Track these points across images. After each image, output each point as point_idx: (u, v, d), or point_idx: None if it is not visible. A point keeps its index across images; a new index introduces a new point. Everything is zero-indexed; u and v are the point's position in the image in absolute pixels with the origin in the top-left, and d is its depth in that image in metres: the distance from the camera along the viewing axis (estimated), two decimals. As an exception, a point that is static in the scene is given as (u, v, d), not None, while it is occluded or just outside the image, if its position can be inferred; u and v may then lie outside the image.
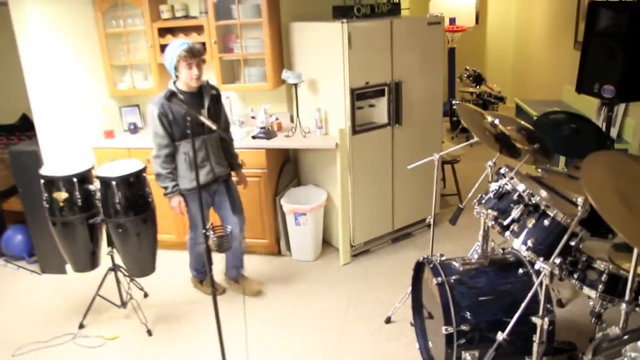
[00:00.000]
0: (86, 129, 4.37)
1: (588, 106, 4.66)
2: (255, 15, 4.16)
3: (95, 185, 3.25)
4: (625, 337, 1.55)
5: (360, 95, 3.90)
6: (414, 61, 4.13)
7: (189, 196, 3.40)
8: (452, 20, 8.58)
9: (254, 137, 4.14)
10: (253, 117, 4.34)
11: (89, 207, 3.27)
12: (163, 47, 4.28)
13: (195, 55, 3.13)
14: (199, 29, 4.29)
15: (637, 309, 1.96)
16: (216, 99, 3.44)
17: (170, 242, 4.38)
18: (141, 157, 4.12)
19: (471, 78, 7.95)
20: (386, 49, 3.94)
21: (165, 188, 3.32)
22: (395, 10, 4.32)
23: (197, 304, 3.71)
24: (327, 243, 4.48)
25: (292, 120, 4.53)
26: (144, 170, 3.32)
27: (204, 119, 2.58)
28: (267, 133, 4.14)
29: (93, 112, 4.46)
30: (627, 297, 1.88)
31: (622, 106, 4.71)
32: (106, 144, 4.35)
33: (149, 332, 3.40)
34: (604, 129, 4.15)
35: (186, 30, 4.33)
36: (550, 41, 7.28)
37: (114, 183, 3.18)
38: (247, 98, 4.64)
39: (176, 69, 3.17)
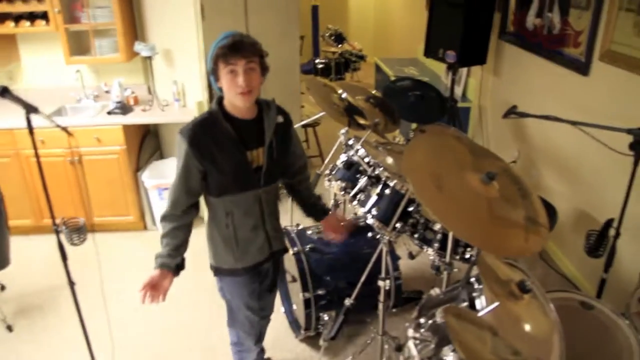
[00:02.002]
0: None
1: (440, 65, 5.03)
2: (102, -18, 3.95)
3: None
4: (441, 297, 1.81)
5: (216, 68, 3.89)
6: (270, 31, 4.18)
7: (229, 280, 2.32)
8: (314, -22, 8.66)
9: (109, 113, 4.00)
10: (107, 92, 4.17)
11: None
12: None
13: (240, 52, 1.89)
14: (39, -3, 3.97)
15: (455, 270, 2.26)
16: (284, 129, 2.19)
17: (26, 227, 4.16)
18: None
19: (333, 37, 8.16)
20: (241, 19, 3.96)
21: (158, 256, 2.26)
22: (249, -23, 4.31)
23: (61, 290, 3.60)
24: (194, 214, 4.49)
25: (149, 92, 4.41)
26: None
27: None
28: (123, 108, 4.01)
29: None
30: (447, 259, 2.16)
31: (465, 68, 5.15)
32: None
33: (9, 328, 3.25)
34: (450, 89, 4.52)
35: (25, -2, 4.00)
36: (405, 1, 7.64)
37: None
38: (100, 71, 4.43)
39: (215, 75, 1.96)
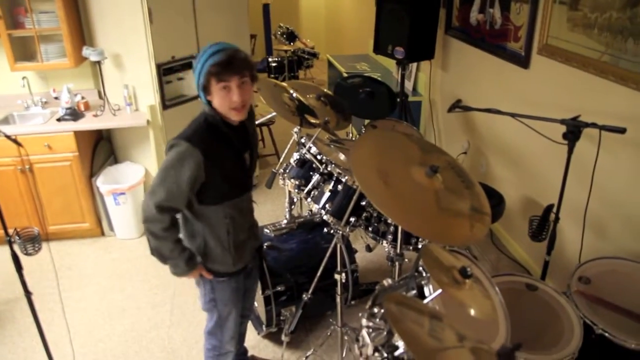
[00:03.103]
0: None
1: (391, 60, 5.13)
2: (45, -14, 3.87)
3: None
4: (393, 287, 1.90)
5: (167, 70, 3.88)
6: (219, 32, 4.19)
7: (224, 286, 2.25)
8: (263, -23, 8.66)
9: (59, 120, 3.93)
10: (56, 98, 4.10)
11: None
12: None
13: (233, 69, 1.88)
14: (-22, 2, 3.87)
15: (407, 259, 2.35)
16: (250, 128, 2.21)
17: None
18: None
19: (285, 36, 8.19)
20: (190, 21, 3.94)
21: (179, 264, 2.10)
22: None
23: (16, 303, 3.54)
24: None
25: (100, 97, 4.36)
26: None
27: None
28: (74, 114, 3.95)
29: None
30: (397, 250, 2.25)
31: (414, 63, 5.27)
32: None
33: (-37, 342, 3.20)
34: (400, 83, 4.63)
35: (-38, 4, 3.89)
36: (354, -1, 7.74)
37: None
38: (48, 77, 4.35)
39: (206, 90, 1.94)
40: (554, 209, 2.52)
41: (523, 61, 3.47)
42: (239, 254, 2.19)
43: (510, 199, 3.57)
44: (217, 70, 1.85)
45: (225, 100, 1.91)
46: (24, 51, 4.15)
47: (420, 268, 1.76)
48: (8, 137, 2.19)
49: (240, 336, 2.56)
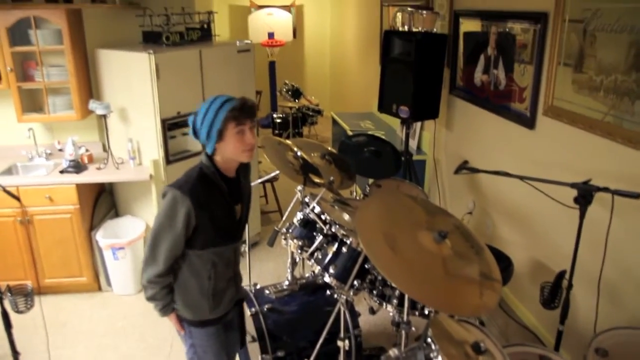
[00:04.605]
0: None
1: (395, 119, 5.15)
2: (57, 41, 3.92)
3: None
4: (401, 357, 1.80)
5: (172, 125, 3.88)
6: (225, 88, 4.22)
7: (202, 333, 2.29)
8: (271, 35, 8.87)
9: (62, 172, 3.91)
10: (61, 150, 4.09)
11: None
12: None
13: (249, 113, 2.06)
14: (-9, 55, 3.92)
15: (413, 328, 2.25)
16: (245, 184, 2.34)
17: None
18: None
19: (290, 92, 8.29)
20: (196, 78, 3.98)
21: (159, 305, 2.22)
22: (206, 37, 4.38)
23: (4, 359, 3.41)
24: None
25: (104, 150, 4.35)
26: None
27: None
28: (77, 166, 3.93)
29: None
30: (405, 318, 2.15)
31: (419, 122, 5.28)
32: None
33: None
34: (404, 142, 4.62)
35: (-24, 56, 3.94)
36: (361, 57, 7.88)
37: None
38: (54, 128, 4.36)
39: (221, 136, 2.04)
40: (567, 276, 2.43)
41: (528, 122, 3.46)
42: (216, 301, 2.25)
43: (518, 262, 3.48)
44: (236, 115, 2.01)
45: (240, 143, 2.06)
46: (31, 103, 4.19)
47: (429, 339, 1.67)
48: (6, 191, 2.14)
49: None
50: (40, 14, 3.79)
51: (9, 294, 2.31)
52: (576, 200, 2.28)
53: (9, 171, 4.10)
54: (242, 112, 2.02)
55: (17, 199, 2.22)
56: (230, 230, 2.21)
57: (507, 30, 3.66)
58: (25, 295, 2.38)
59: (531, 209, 3.51)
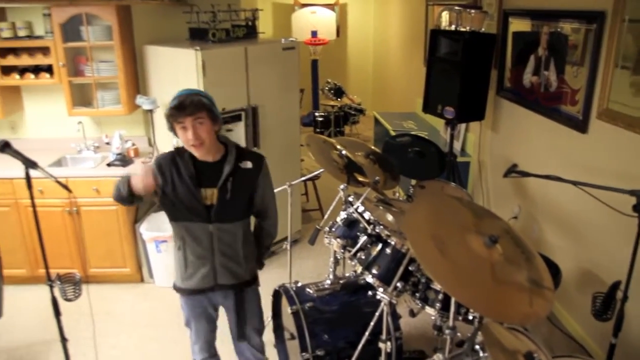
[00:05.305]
0: None
1: (438, 119, 5.06)
2: (107, 37, 4.02)
3: None
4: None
5: (218, 121, 3.91)
6: (270, 86, 4.23)
7: (182, 298, 2.57)
8: (314, 33, 8.86)
9: (109, 165, 4.00)
10: (108, 143, 4.18)
11: None
12: (4, 68, 4.02)
13: (185, 111, 2.16)
14: (45, 50, 4.04)
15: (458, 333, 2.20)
16: (250, 174, 2.42)
17: (20, 277, 4.10)
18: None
19: (332, 91, 8.26)
20: (242, 74, 4.00)
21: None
22: (251, 34, 4.40)
23: (52, 344, 3.50)
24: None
25: (150, 144, 4.43)
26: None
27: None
28: (123, 160, 4.02)
29: None
30: (450, 323, 2.10)
31: (464, 123, 5.19)
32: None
33: (-4, 383, 3.17)
34: (448, 143, 4.55)
35: (31, 51, 4.07)
36: (404, 56, 7.79)
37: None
38: (102, 122, 4.46)
39: (173, 130, 2.26)
40: (621, 287, 2.34)
41: (580, 125, 3.34)
42: (188, 273, 2.44)
43: (566, 270, 3.36)
44: (172, 113, 2.19)
45: (184, 139, 2.24)
46: (81, 97, 4.29)
47: (477, 346, 1.62)
48: (59, 182, 2.20)
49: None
50: (92, 11, 3.88)
51: (58, 282, 2.36)
52: (635, 208, 2.19)
53: (58, 163, 4.22)
54: (178, 110, 2.16)
55: (69, 190, 2.26)
56: (194, 209, 2.31)
57: (559, 30, 3.55)
58: (74, 284, 2.44)
59: (582, 216, 3.39)
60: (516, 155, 4.25)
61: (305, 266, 4.47)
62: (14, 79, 4.07)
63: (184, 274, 2.45)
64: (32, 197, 2.17)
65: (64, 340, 2.39)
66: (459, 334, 2.12)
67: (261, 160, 2.46)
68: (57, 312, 2.32)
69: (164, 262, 4.07)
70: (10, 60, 4.03)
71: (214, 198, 2.33)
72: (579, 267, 3.45)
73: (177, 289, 2.53)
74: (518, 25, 4.19)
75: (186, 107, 2.16)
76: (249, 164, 2.40)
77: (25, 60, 4.05)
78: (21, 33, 4.09)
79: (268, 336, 3.40)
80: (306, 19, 8.88)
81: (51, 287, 2.27)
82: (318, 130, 7.99)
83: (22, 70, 4.11)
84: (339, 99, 8.31)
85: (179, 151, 2.35)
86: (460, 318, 2.50)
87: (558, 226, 3.70)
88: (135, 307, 3.94)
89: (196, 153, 2.29)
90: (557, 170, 3.30)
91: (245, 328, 2.64)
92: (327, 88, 8.38)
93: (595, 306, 2.50)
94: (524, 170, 2.64)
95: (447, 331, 2.08)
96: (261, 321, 2.75)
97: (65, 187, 2.25)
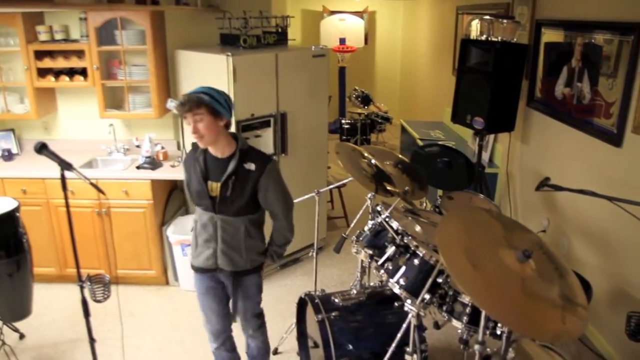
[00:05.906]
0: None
1: (465, 129, 5.02)
2: (140, 42, 4.08)
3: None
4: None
5: (246, 127, 3.93)
6: (299, 92, 4.24)
7: (194, 275, 2.81)
8: (342, 41, 8.86)
9: (138, 167, 4.05)
10: (138, 146, 4.24)
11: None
12: (40, 70, 4.11)
13: (185, 107, 2.36)
14: (80, 53, 4.12)
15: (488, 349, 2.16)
16: (254, 176, 2.52)
17: (50, 276, 4.17)
18: (16, 187, 3.96)
19: (359, 99, 8.25)
20: (272, 81, 4.02)
21: None
22: (281, 40, 4.42)
23: (79, 343, 3.55)
24: (216, 271, 4.46)
25: (179, 148, 4.48)
26: (17, 209, 3.14)
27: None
28: (153, 163, 4.06)
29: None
30: (479, 338, 2.07)
31: (492, 134, 5.13)
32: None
33: (24, 380, 3.22)
34: (477, 154, 4.50)
35: (66, 54, 4.15)
36: (432, 65, 7.75)
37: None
38: (132, 125, 4.53)
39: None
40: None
41: (615, 139, 3.27)
42: (197, 252, 2.69)
43: (597, 287, 3.28)
44: (178, 109, 2.42)
45: (190, 132, 2.43)
46: (113, 100, 4.36)
47: (509, 363, 1.59)
48: (94, 185, 2.23)
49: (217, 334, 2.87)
50: (126, 15, 3.95)
51: (89, 283, 2.40)
52: (672, 225, 2.13)
53: (89, 164, 4.29)
54: (181, 106, 2.38)
55: (103, 192, 2.30)
56: (203, 198, 2.55)
57: (594, 41, 3.49)
58: (104, 285, 2.47)
59: (615, 232, 3.32)
60: (546, 167, 4.18)
61: (329, 274, 4.46)
62: (50, 81, 4.16)
63: (194, 252, 2.71)
64: (66, 198, 2.21)
65: (92, 340, 2.41)
66: (488, 350, 2.08)
67: (266, 163, 2.56)
68: (86, 313, 2.35)
69: (189, 265, 4.08)
70: (47, 63, 4.12)
71: (217, 191, 2.54)
72: (610, 284, 3.37)
73: (191, 265, 2.78)
74: (551, 35, 4.14)
75: (185, 103, 2.37)
76: (252, 166, 2.53)
77: (60, 63, 4.14)
78: (58, 36, 4.18)
79: (292, 344, 3.41)
80: (334, 26, 8.90)
81: (82, 287, 2.30)
82: (344, 137, 7.98)
83: (57, 73, 4.19)
84: (365, 107, 8.29)
85: (194, 145, 2.61)
86: (487, 332, 2.47)
87: (589, 241, 3.62)
88: (160, 310, 3.97)
89: (201, 145, 2.51)
90: (589, 185, 3.25)
91: (237, 310, 2.81)
92: (354, 95, 8.37)
93: (630, 326, 2.44)
94: (556, 184, 2.60)
95: (476, 346, 2.04)
96: (257, 305, 2.86)
97: (100, 189, 2.28)
